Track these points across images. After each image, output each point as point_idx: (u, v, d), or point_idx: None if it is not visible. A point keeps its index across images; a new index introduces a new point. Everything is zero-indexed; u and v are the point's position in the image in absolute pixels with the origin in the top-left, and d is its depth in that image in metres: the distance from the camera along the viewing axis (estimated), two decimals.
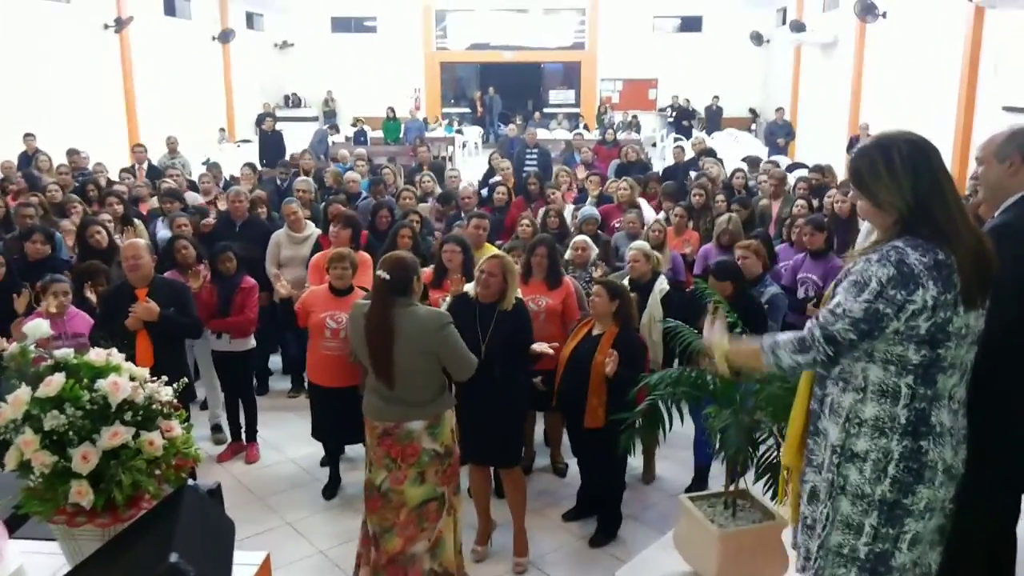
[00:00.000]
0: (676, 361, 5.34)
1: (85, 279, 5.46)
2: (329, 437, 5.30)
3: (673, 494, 5.07)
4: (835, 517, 2.36)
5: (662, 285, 5.49)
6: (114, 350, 2.59)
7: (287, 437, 6.08)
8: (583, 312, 5.22)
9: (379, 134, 20.23)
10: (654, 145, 22.28)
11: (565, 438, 5.34)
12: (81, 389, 2.34)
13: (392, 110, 20.69)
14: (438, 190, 9.10)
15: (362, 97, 24.61)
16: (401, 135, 19.69)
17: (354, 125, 20.19)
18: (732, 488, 3.95)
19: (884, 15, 15.78)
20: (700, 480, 5.16)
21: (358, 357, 4.52)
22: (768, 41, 24.47)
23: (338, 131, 20.92)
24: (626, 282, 5.23)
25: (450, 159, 18.94)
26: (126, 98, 17.71)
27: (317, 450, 5.58)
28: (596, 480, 4.79)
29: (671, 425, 3.91)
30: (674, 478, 5.42)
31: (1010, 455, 2.69)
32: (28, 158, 11.68)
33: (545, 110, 26.25)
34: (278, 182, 10.16)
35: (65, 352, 2.52)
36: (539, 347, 4.43)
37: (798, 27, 20.37)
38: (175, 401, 2.57)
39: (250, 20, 24.58)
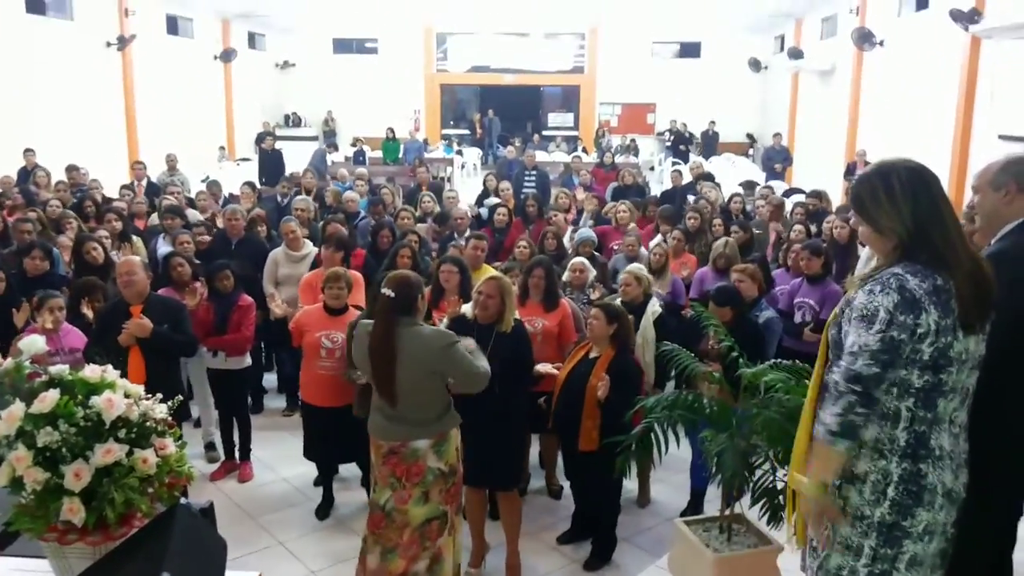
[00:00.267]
0: (673, 384, 5.35)
1: (82, 295, 5.45)
2: (322, 457, 5.27)
3: (668, 518, 5.05)
4: (835, 539, 2.37)
5: (654, 307, 5.51)
6: (109, 367, 2.59)
7: (281, 456, 6.05)
8: (580, 334, 5.22)
9: (378, 154, 20.30)
10: (652, 169, 22.39)
11: (560, 460, 5.32)
12: (75, 406, 2.33)
13: (392, 131, 20.79)
14: (439, 210, 9.13)
15: (362, 117, 24.72)
16: (400, 155, 19.76)
17: (354, 145, 20.27)
18: (728, 512, 3.93)
19: (881, 43, 15.92)
20: (696, 504, 5.14)
21: (352, 376, 4.53)
22: (766, 68, 24.66)
23: (337, 149, 20.97)
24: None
25: (449, 180, 19.00)
26: (127, 115, 17.77)
27: (310, 470, 5.55)
28: (590, 503, 4.77)
29: (667, 448, 3.90)
30: (669, 502, 5.39)
31: (1010, 481, 2.69)
32: (27, 173, 11.70)
33: (544, 133, 26.37)
34: (279, 199, 10.19)
35: (60, 368, 2.51)
36: (543, 368, 4.42)
37: (796, 54, 20.54)
38: (169, 419, 2.56)
39: (252, 40, 24.73)
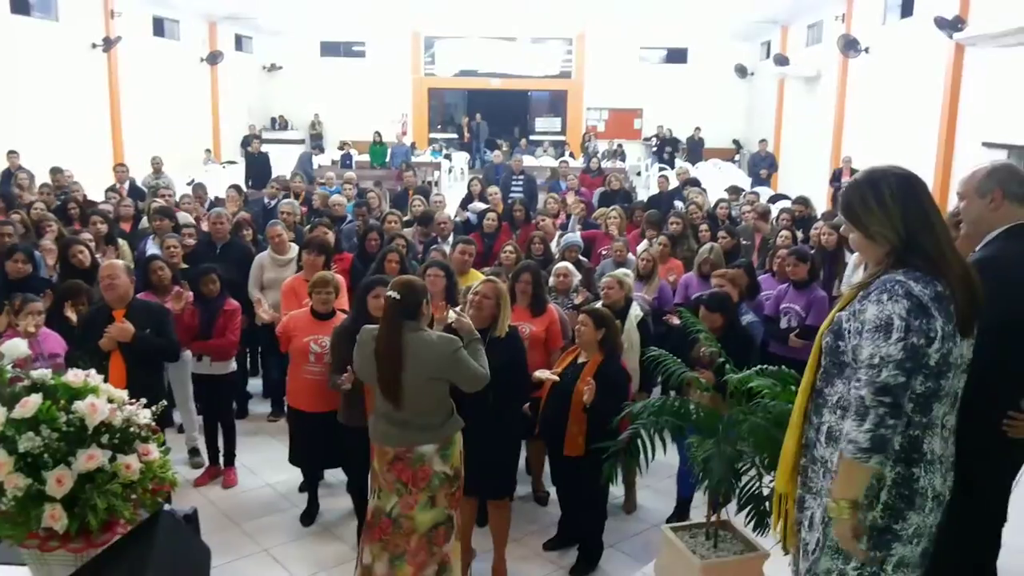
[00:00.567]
0: (660, 389, 5.35)
1: (66, 298, 5.40)
2: (308, 463, 5.24)
3: (655, 524, 5.05)
4: (825, 543, 2.37)
5: (636, 311, 5.52)
6: (92, 371, 2.56)
7: (265, 462, 6.01)
8: (566, 340, 5.22)
9: (365, 158, 20.26)
10: (639, 174, 22.45)
11: (547, 466, 5.31)
12: (58, 410, 2.31)
13: (379, 134, 20.75)
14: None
15: (349, 121, 24.66)
16: (387, 159, 19.73)
17: (341, 148, 20.23)
18: (714, 519, 3.93)
19: (866, 50, 16.04)
20: (682, 510, 5.14)
21: (336, 383, 4.50)
22: (752, 74, 24.79)
23: (323, 151, 20.88)
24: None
25: (436, 184, 18.99)
26: (112, 117, 17.66)
27: (295, 476, 5.51)
28: (577, 509, 4.76)
29: (653, 455, 3.89)
30: (656, 508, 5.39)
31: (996, 485, 2.70)
32: (10, 176, 11.59)
33: (531, 137, 26.40)
34: (265, 202, 10.15)
35: (43, 372, 2.49)
36: (541, 374, 4.41)
37: (782, 61, 20.67)
38: (153, 424, 2.53)
39: (239, 42, 24.64)
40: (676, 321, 6.09)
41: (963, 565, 2.75)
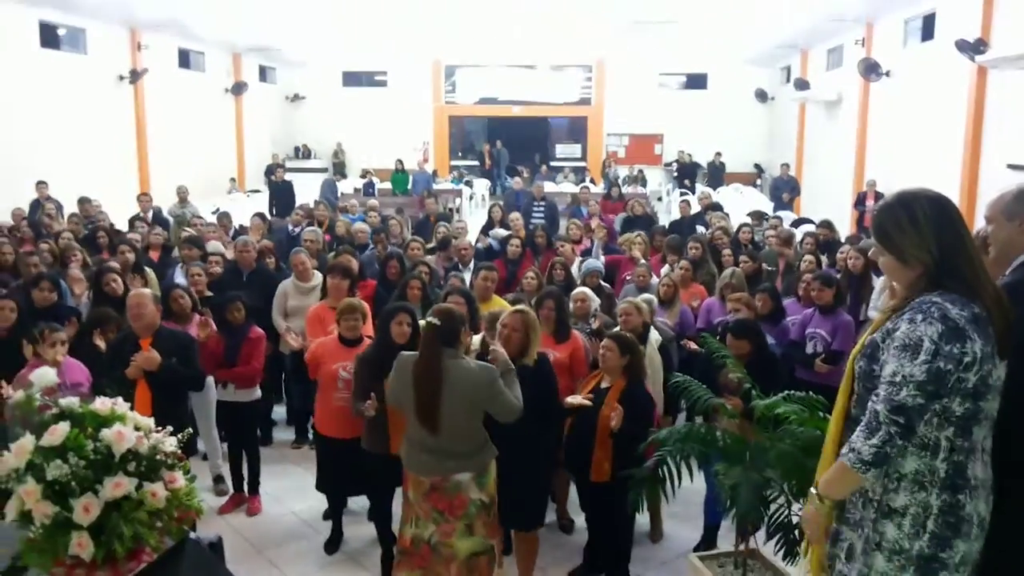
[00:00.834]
0: (685, 416, 5.31)
1: (95, 326, 5.46)
2: (336, 489, 5.22)
3: (682, 552, 4.98)
4: (869, 574, 2.33)
5: (655, 336, 5.49)
6: (119, 399, 2.58)
7: (290, 489, 6.01)
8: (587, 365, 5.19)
9: (388, 185, 20.42)
10: (660, 199, 22.43)
11: (572, 494, 5.27)
12: (85, 438, 2.32)
13: (401, 162, 20.92)
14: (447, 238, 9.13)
15: (371, 149, 24.89)
16: (409, 187, 19.87)
17: (363, 176, 20.41)
18: (742, 547, 3.88)
19: (888, 74, 15.98)
20: (709, 538, 5.07)
21: (360, 410, 4.49)
22: (773, 98, 24.78)
23: (345, 177, 21.04)
24: None
25: (458, 211, 19.07)
26: (138, 148, 17.94)
27: (319, 503, 5.50)
28: (603, 536, 4.71)
29: (680, 482, 3.85)
30: (683, 536, 5.31)
31: None
32: (38, 205, 11.81)
33: (552, 163, 26.51)
34: (290, 229, 10.24)
35: (71, 401, 2.51)
36: (574, 400, 4.39)
37: (802, 85, 20.64)
38: (179, 452, 2.54)
39: (263, 73, 25.00)
40: (694, 347, 6.08)
41: None
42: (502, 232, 10.12)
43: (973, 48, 12.25)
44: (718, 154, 23.10)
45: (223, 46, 21.46)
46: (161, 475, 2.39)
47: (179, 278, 7.18)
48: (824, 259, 8.04)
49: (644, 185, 22.47)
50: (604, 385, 4.60)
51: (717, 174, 22.78)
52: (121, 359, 4.69)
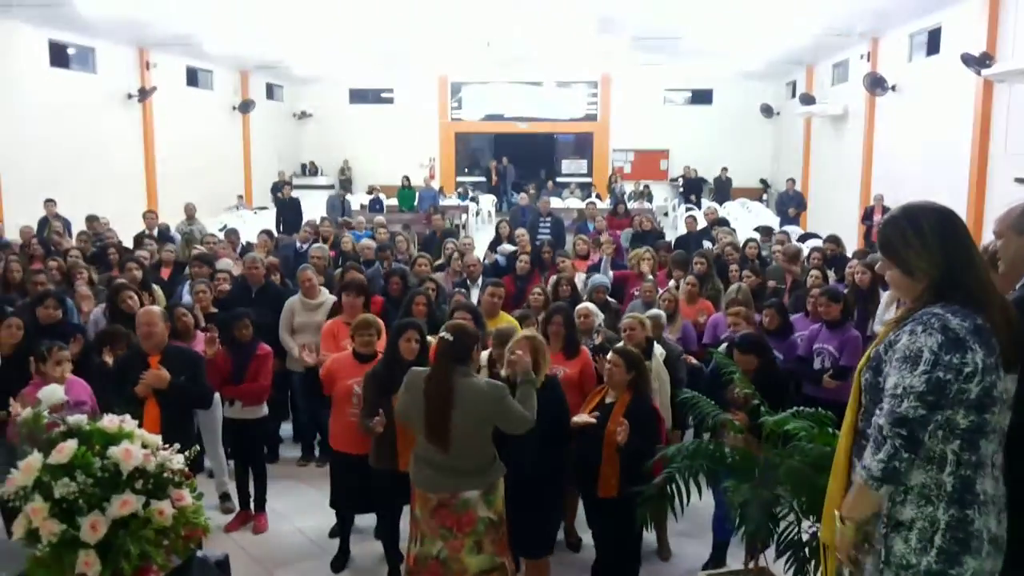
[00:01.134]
0: (692, 432, 5.28)
1: (105, 343, 5.47)
2: (350, 506, 5.19)
3: (691, 570, 4.95)
4: None
5: (659, 350, 5.48)
6: (127, 416, 2.58)
7: (296, 507, 5.99)
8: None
9: (394, 202, 20.48)
10: (666, 214, 22.43)
11: (580, 513, 5.24)
12: (93, 456, 2.32)
13: (407, 178, 20.98)
14: (456, 254, 9.13)
15: (378, 165, 24.99)
16: (416, 203, 19.92)
17: (370, 192, 20.48)
18: (752, 565, 3.85)
19: (893, 88, 15.99)
20: (718, 556, 5.02)
21: (368, 426, 4.48)
22: (778, 113, 24.80)
23: (351, 193, 21.12)
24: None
25: (464, 227, 19.10)
26: (146, 165, 18.06)
27: (326, 521, 5.48)
28: (611, 554, 4.67)
29: (689, 499, 3.82)
30: (692, 553, 5.27)
31: None
32: (46, 223, 11.86)
33: (558, 179, 26.55)
34: (297, 246, 10.26)
35: (78, 418, 2.51)
36: (580, 419, 4.38)
37: (808, 100, 20.66)
38: (186, 469, 2.54)
39: (270, 91, 25.15)
40: (694, 361, 6.08)
41: None
42: (509, 248, 10.14)
43: (979, 62, 12.26)
44: (724, 169, 23.12)
45: (231, 64, 21.61)
46: (168, 493, 2.38)
47: (186, 296, 7.20)
48: (831, 274, 8.01)
49: (650, 200, 22.48)
50: (609, 400, 4.58)
51: (724, 189, 22.78)
52: (130, 376, 4.70)
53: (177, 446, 2.56)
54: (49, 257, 8.70)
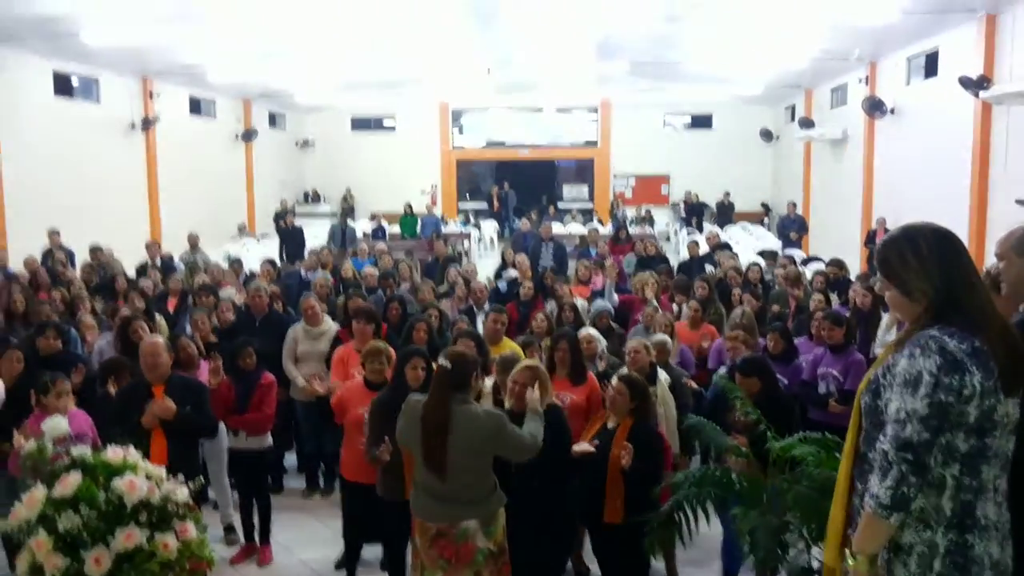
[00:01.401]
0: (700, 457, 5.25)
1: (109, 374, 5.46)
2: (360, 535, 5.16)
3: None
4: None
5: (664, 376, 5.48)
6: (131, 448, 2.57)
7: (301, 538, 5.94)
8: None
9: (397, 229, 20.55)
10: (668, 239, 22.47)
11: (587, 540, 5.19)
12: (97, 488, 2.31)
13: (409, 205, 21.05)
14: (461, 281, 9.14)
15: (380, 192, 25.09)
16: (418, 230, 19.98)
17: (372, 220, 20.56)
18: None
19: (892, 111, 16.08)
20: None
21: (374, 455, 4.46)
22: (778, 137, 24.92)
23: (354, 219, 21.21)
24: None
25: (466, 254, 19.14)
26: (150, 194, 18.12)
27: (330, 553, 5.44)
28: None
29: (697, 527, 3.79)
30: None
31: None
32: (49, 254, 11.89)
33: (559, 205, 26.64)
34: (303, 274, 10.28)
35: (82, 450, 2.50)
36: (580, 447, 4.35)
37: (807, 124, 20.77)
38: (191, 502, 2.52)
39: (273, 120, 25.31)
40: (694, 386, 6.08)
41: None
42: (513, 273, 10.15)
43: (977, 84, 12.33)
44: (727, 194, 23.21)
45: (234, 93, 21.77)
46: (173, 525, 2.37)
47: (189, 326, 7.20)
48: (835, 297, 8.01)
49: (652, 225, 22.53)
50: (610, 425, 4.56)
51: (726, 213, 22.85)
52: (134, 407, 4.67)
53: (181, 477, 2.55)
54: (53, 288, 8.72)
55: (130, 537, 2.26)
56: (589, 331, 6.21)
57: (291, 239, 15.99)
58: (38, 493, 2.33)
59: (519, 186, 26.80)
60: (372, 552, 5.46)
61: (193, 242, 12.81)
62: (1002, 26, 12.28)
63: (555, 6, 12.21)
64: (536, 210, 23.51)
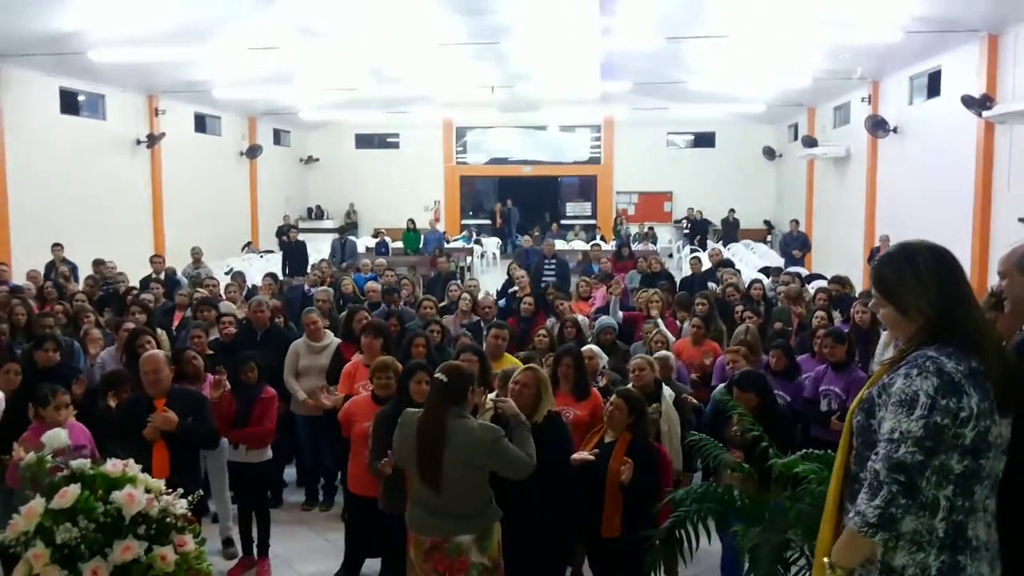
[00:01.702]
0: (701, 474, 5.23)
1: (109, 387, 5.46)
2: (365, 550, 5.14)
3: None
4: None
5: (668, 391, 5.47)
6: (131, 461, 2.57)
7: (299, 552, 5.92)
8: None
9: (400, 244, 20.59)
10: (671, 256, 22.48)
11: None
12: (96, 501, 2.30)
13: (412, 221, 21.12)
14: (466, 296, 9.13)
15: (384, 209, 25.18)
16: (421, 246, 20.03)
17: (375, 236, 20.60)
18: None
19: (895, 130, 16.11)
20: None
21: (377, 468, 4.45)
22: (781, 155, 24.98)
23: (357, 235, 21.27)
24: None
25: (469, 269, 19.16)
26: (154, 210, 18.19)
27: (329, 567, 5.42)
28: None
29: (698, 544, 3.77)
30: None
31: None
32: (52, 267, 11.93)
33: (562, 221, 26.70)
34: (306, 289, 10.29)
35: (82, 463, 2.49)
36: (580, 456, 4.34)
37: (810, 142, 20.81)
38: (189, 514, 2.51)
39: (277, 137, 25.44)
40: (694, 401, 6.08)
41: None
42: (512, 289, 10.15)
43: (979, 104, 12.36)
44: (732, 211, 23.26)
45: (238, 110, 21.90)
46: (171, 538, 2.36)
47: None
48: (837, 315, 7.99)
49: (655, 242, 22.55)
50: (608, 439, 4.55)
51: (731, 231, 22.88)
52: (135, 421, 4.67)
53: (180, 491, 2.54)
54: (56, 301, 8.73)
55: (128, 549, 2.25)
56: (591, 347, 6.21)
57: (294, 254, 16.01)
58: (36, 505, 2.32)
59: (522, 203, 26.88)
60: (370, 567, 5.43)
61: (196, 256, 12.84)
62: (1004, 46, 12.32)
63: (559, 26, 12.29)
64: (539, 227, 23.56)
